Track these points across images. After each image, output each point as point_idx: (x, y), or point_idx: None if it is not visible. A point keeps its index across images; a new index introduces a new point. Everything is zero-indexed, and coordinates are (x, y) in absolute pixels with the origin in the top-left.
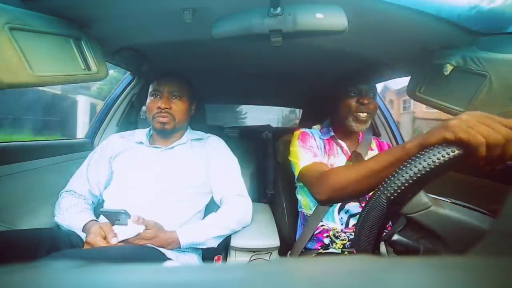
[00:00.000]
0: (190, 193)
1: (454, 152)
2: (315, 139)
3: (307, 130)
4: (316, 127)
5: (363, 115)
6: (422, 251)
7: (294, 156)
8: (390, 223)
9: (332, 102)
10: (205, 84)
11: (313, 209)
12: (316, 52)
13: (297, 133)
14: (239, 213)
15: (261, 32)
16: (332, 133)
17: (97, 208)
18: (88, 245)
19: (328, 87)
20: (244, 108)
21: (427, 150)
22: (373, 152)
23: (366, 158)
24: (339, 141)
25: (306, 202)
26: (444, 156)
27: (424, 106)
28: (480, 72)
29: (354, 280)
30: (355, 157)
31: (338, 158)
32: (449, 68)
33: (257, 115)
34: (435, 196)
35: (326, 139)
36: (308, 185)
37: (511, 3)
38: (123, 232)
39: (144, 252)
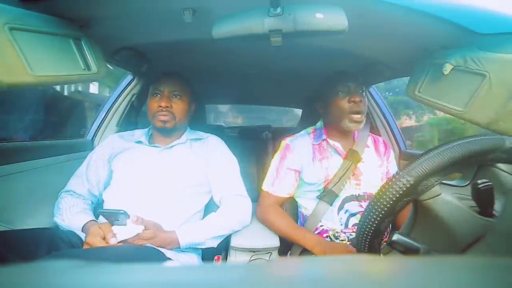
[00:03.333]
0: (189, 193)
1: None
2: (298, 151)
3: (291, 142)
4: (309, 129)
5: (357, 116)
6: (422, 251)
7: (268, 169)
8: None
9: (323, 104)
10: (205, 84)
11: (312, 209)
12: (316, 52)
13: (282, 143)
14: (239, 213)
15: (261, 32)
16: (324, 136)
17: (97, 208)
18: (88, 245)
19: (318, 90)
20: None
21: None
22: (369, 149)
23: (363, 156)
24: (333, 142)
25: (304, 203)
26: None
27: None
28: (479, 72)
29: (354, 280)
30: (351, 155)
31: (332, 159)
32: (448, 67)
33: None
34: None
35: (318, 143)
36: (258, 202)
37: (511, 3)
38: (122, 232)
39: (144, 252)
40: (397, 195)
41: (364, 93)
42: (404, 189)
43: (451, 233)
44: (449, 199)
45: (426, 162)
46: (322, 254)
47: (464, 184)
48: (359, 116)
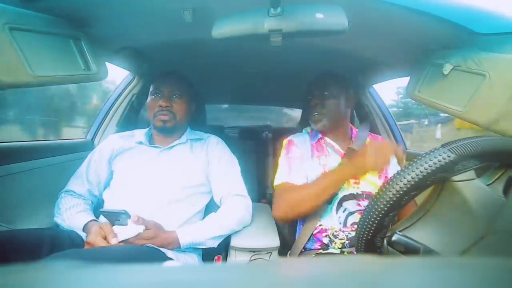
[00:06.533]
0: (190, 193)
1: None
2: (300, 146)
3: (293, 138)
4: (307, 129)
5: (314, 116)
6: (422, 251)
7: (278, 168)
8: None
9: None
10: (205, 84)
11: None
12: (316, 52)
13: (284, 142)
14: (239, 213)
15: (261, 32)
16: (320, 136)
17: (97, 208)
18: (89, 245)
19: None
20: None
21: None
22: None
23: None
24: (330, 141)
25: None
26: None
27: None
28: (479, 72)
29: (354, 280)
30: (349, 154)
31: (330, 157)
32: (448, 67)
33: None
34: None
35: (315, 142)
36: (273, 201)
37: (511, 3)
38: (123, 232)
39: (144, 252)
40: (434, 168)
41: (331, 95)
42: (443, 163)
43: (477, 218)
44: (483, 186)
45: (474, 144)
46: (355, 171)
47: (489, 182)
48: (315, 115)
